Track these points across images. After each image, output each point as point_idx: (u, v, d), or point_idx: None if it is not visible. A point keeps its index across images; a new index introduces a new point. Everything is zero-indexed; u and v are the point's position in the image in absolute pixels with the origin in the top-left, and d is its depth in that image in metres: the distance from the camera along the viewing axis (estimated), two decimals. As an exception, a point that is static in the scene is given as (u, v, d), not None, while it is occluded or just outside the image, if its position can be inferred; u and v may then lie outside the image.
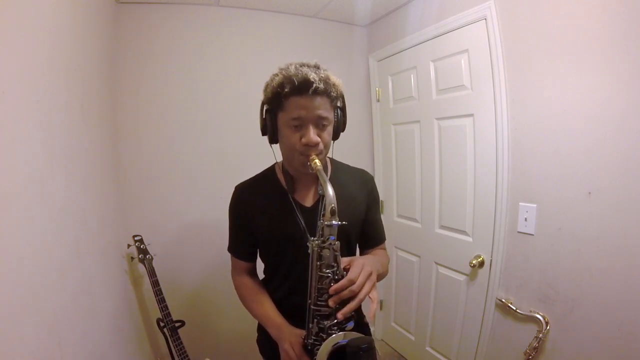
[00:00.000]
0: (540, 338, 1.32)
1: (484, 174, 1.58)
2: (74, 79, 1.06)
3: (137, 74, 1.72)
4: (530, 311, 1.38)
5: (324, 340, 0.76)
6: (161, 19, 1.75)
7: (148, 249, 1.59)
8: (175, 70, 1.80)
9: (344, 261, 0.81)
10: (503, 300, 1.49)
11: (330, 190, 0.76)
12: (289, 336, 0.85)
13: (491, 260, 1.56)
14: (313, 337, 0.80)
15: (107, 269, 1.30)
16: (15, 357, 0.60)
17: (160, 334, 1.59)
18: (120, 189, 1.66)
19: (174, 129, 1.82)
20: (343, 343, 0.75)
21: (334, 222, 0.76)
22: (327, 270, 0.78)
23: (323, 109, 0.84)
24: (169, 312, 1.55)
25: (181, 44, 1.80)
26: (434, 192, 1.87)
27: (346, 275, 0.77)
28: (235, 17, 1.91)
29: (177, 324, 1.58)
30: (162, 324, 1.55)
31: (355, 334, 0.77)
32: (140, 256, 1.56)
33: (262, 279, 1.10)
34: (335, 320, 0.78)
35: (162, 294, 1.55)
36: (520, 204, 1.42)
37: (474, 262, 1.60)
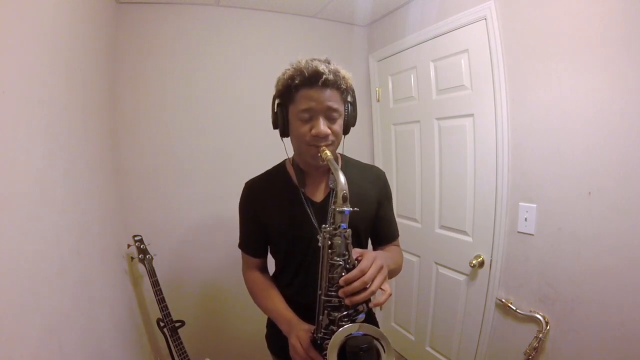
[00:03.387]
0: (540, 338, 1.32)
1: (484, 174, 1.58)
2: (74, 79, 1.06)
3: (137, 74, 1.72)
4: (530, 311, 1.38)
5: (334, 332, 0.74)
6: (161, 19, 1.75)
7: (148, 249, 1.59)
8: (175, 70, 1.80)
9: (356, 252, 0.79)
10: (503, 300, 1.49)
11: (342, 178, 0.75)
12: (297, 330, 0.85)
13: (491, 260, 1.56)
14: (323, 331, 0.79)
15: (107, 269, 1.30)
16: (15, 357, 0.60)
17: (160, 334, 1.59)
18: (120, 189, 1.66)
19: (174, 129, 1.82)
20: (357, 335, 0.73)
21: (345, 208, 0.74)
22: (338, 259, 0.77)
23: (333, 100, 0.85)
24: (169, 312, 1.55)
25: (181, 44, 1.80)
26: (434, 192, 1.87)
27: (357, 265, 0.76)
28: (235, 17, 1.91)
29: (177, 324, 1.58)
30: (162, 324, 1.55)
31: (369, 326, 0.75)
32: (140, 256, 1.56)
33: (272, 275, 1.10)
34: (346, 312, 0.77)
35: (162, 294, 1.55)
36: (520, 204, 1.42)
37: (474, 262, 1.60)
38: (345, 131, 0.94)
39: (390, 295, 0.77)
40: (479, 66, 1.54)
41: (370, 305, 0.78)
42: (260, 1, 1.86)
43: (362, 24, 2.24)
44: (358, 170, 1.05)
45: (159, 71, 1.76)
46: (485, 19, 1.47)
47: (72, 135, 1.01)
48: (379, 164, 2.27)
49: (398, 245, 1.14)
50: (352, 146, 2.17)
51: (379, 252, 0.84)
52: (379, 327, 0.78)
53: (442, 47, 1.72)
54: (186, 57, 1.82)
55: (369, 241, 1.11)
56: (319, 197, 0.98)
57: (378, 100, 2.24)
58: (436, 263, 1.90)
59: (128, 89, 1.71)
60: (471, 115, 1.62)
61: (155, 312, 1.59)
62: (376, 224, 1.05)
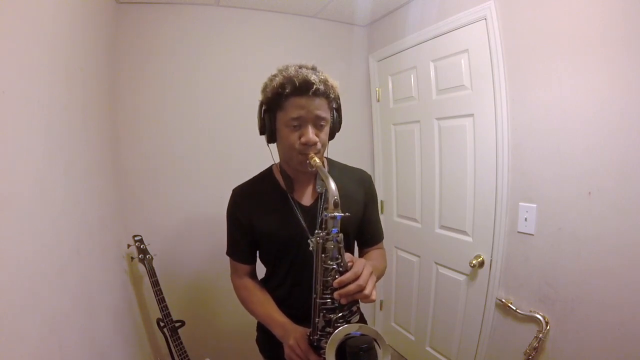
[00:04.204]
0: (540, 338, 1.32)
1: (484, 174, 1.58)
2: (74, 79, 1.06)
3: (137, 74, 1.72)
4: (530, 311, 1.38)
5: (330, 334, 0.75)
6: (161, 19, 1.75)
7: (148, 249, 1.59)
8: (175, 70, 1.80)
9: (347, 257, 0.81)
10: (503, 300, 1.49)
11: (332, 184, 0.77)
12: (293, 333, 0.85)
13: (491, 260, 1.56)
14: (319, 333, 0.80)
15: (107, 269, 1.30)
16: (15, 357, 0.60)
17: (160, 334, 1.59)
18: (120, 188, 1.66)
19: (174, 129, 1.82)
20: (356, 335, 0.74)
21: (336, 214, 0.76)
22: (332, 263, 0.78)
23: (322, 109, 0.86)
24: (169, 312, 1.55)
25: (181, 44, 1.80)
26: (434, 192, 1.87)
27: (350, 269, 0.77)
28: (235, 17, 1.91)
29: (177, 324, 1.59)
30: (162, 324, 1.55)
31: (366, 326, 0.76)
32: (140, 256, 1.56)
33: (261, 279, 1.10)
34: (341, 314, 0.78)
35: (162, 294, 1.55)
36: (520, 204, 1.42)
37: (474, 262, 1.60)
38: (331, 137, 0.96)
39: (374, 300, 0.78)
40: (479, 66, 1.54)
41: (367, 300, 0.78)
42: (260, 1, 1.86)
43: (362, 24, 2.24)
44: (344, 173, 1.05)
45: (159, 71, 1.76)
46: (485, 19, 1.47)
47: (72, 135, 1.01)
48: (379, 164, 2.27)
49: (382, 248, 1.14)
50: (352, 146, 2.20)
51: (367, 260, 0.86)
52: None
53: (442, 47, 1.72)
54: (186, 57, 1.82)
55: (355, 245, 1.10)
56: (307, 201, 0.99)
57: (378, 100, 2.24)
58: (436, 263, 1.90)
59: (128, 89, 1.71)
60: (471, 115, 1.62)
61: (155, 312, 1.59)
62: (363, 226, 1.05)
